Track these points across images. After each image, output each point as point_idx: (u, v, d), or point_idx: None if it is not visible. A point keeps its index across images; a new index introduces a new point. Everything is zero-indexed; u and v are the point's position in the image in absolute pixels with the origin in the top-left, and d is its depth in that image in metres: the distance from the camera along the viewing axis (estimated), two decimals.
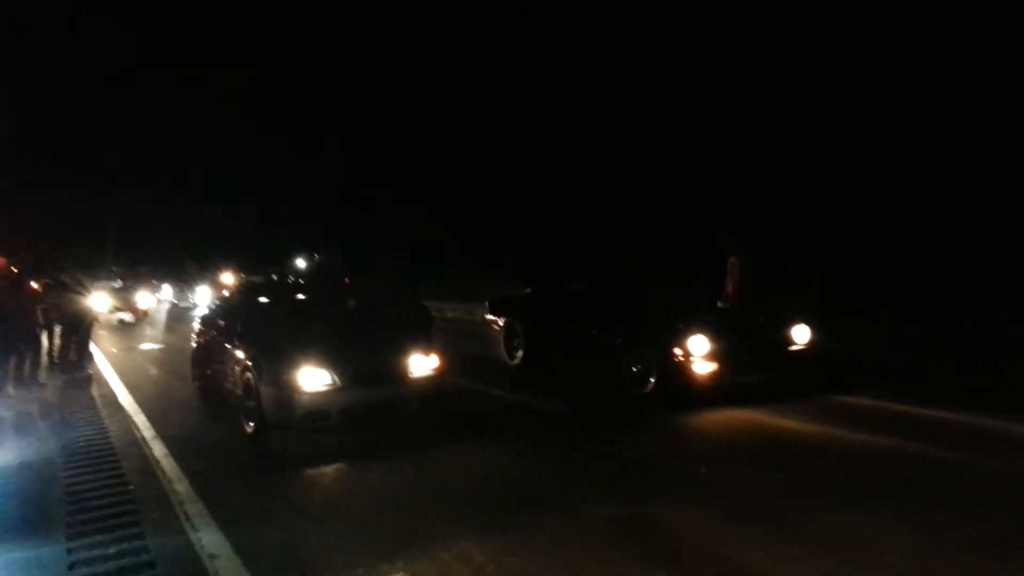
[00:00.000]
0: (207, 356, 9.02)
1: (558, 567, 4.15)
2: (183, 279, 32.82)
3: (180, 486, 5.88)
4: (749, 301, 10.22)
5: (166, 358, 14.14)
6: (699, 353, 8.29)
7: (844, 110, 15.10)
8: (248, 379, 7.25)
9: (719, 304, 10.04)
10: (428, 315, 12.15)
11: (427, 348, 7.61)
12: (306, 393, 6.69)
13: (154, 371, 12.48)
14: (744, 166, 16.91)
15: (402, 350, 7.41)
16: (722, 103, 18.13)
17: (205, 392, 9.18)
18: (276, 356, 7.03)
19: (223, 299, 11.03)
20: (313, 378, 6.74)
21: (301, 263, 37.85)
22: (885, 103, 14.45)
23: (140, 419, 8.46)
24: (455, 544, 4.46)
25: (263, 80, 49.57)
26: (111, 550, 4.60)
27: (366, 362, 7.19)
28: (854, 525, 4.58)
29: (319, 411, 6.76)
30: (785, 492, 5.29)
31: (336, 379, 6.80)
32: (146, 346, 16.57)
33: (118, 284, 24.09)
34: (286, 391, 6.71)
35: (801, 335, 8.89)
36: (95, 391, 10.33)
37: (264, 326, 8.11)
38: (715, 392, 8.28)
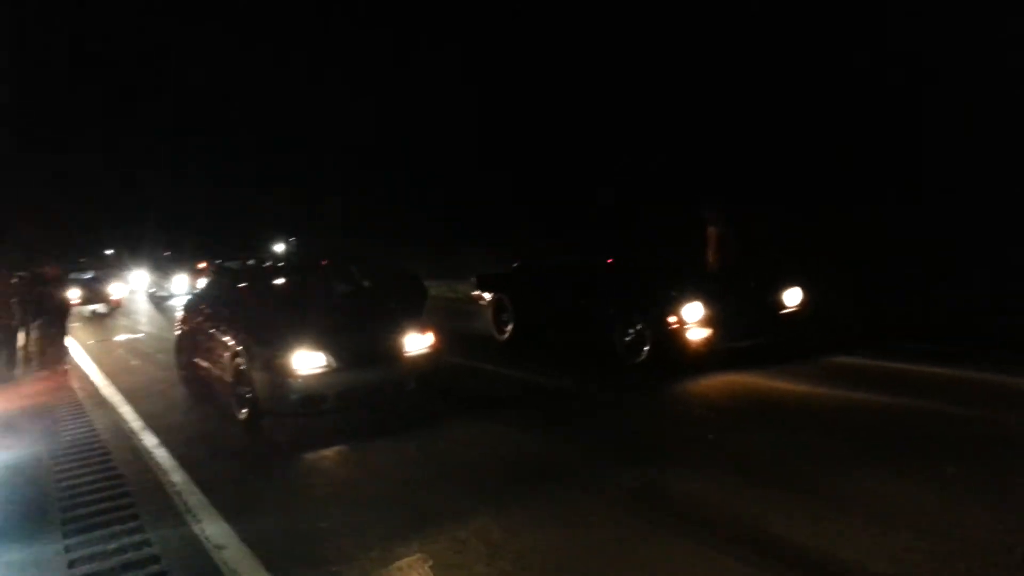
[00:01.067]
0: (192, 344, 8.78)
1: (580, 539, 4.07)
2: (159, 268, 32.21)
3: (176, 476, 5.72)
4: (735, 268, 10.20)
5: (146, 348, 13.85)
6: (693, 320, 8.24)
7: (830, 74, 15.01)
8: (239, 365, 7.05)
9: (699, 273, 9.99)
10: (422, 288, 11.92)
11: (422, 325, 7.45)
12: (301, 377, 6.50)
13: (135, 361, 12.20)
14: (728, 131, 16.74)
15: (397, 328, 7.26)
16: (704, 67, 17.91)
17: (191, 381, 8.95)
18: (268, 340, 6.82)
19: (207, 285, 10.79)
20: (307, 361, 6.54)
21: (279, 248, 37.36)
22: (872, 67, 14.38)
23: (126, 410, 8.26)
24: (471, 521, 4.36)
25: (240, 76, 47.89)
26: (111, 545, 4.45)
27: (361, 342, 7.02)
28: (869, 483, 4.55)
29: (315, 395, 6.57)
30: (794, 454, 5.25)
31: (331, 361, 6.61)
32: (123, 337, 16.22)
33: (89, 275, 23.64)
34: (280, 376, 6.50)
35: (793, 297, 8.89)
36: (76, 384, 10.08)
37: (253, 310, 7.88)
38: (710, 358, 8.26)
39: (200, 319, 8.69)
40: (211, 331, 8.07)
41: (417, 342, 7.18)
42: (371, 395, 7.02)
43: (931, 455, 4.98)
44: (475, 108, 26.74)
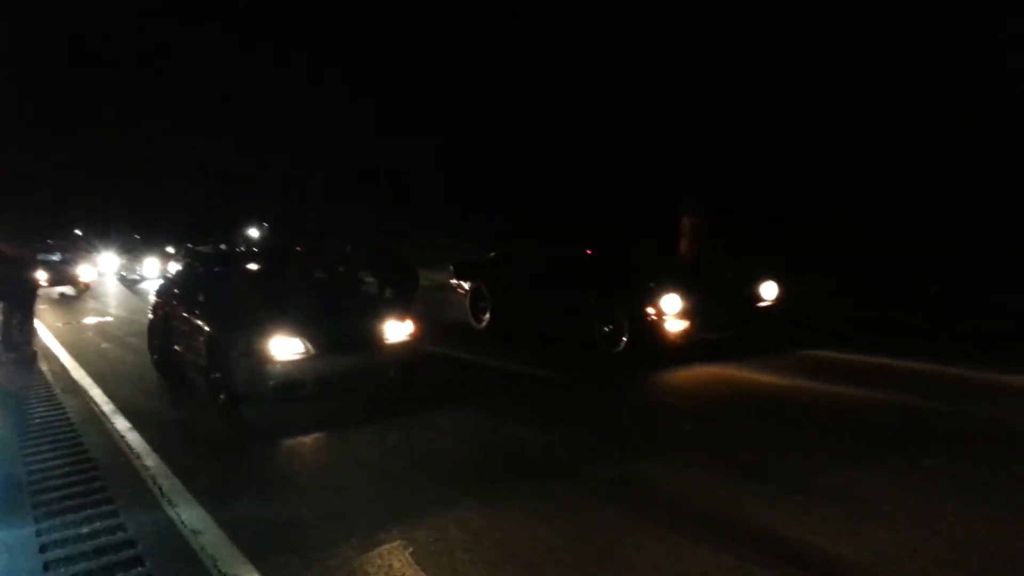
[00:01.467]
0: (167, 328, 8.61)
1: (562, 530, 4.06)
2: (129, 250, 31.68)
3: (150, 461, 5.62)
4: (709, 260, 10.26)
5: (116, 331, 13.61)
6: (671, 311, 8.29)
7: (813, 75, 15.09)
8: (214, 350, 6.95)
9: (674, 264, 9.99)
10: (414, 274, 11.79)
11: (401, 313, 7.41)
12: (278, 362, 6.41)
13: (105, 344, 11.99)
14: (711, 129, 16.78)
15: (375, 316, 7.22)
16: (689, 67, 17.92)
17: (165, 366, 8.79)
18: (244, 325, 6.72)
19: (181, 270, 10.60)
20: (285, 347, 6.45)
21: (253, 232, 36.79)
22: (853, 67, 14.49)
23: (96, 393, 8.10)
24: (451, 510, 4.34)
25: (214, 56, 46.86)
26: (84, 530, 4.36)
27: (339, 329, 6.93)
28: (849, 475, 4.61)
29: (293, 380, 6.48)
30: (772, 446, 5.31)
31: (309, 347, 6.53)
32: (93, 319, 15.93)
33: (56, 257, 23.14)
34: (257, 361, 6.41)
35: (769, 291, 8.97)
36: (44, 367, 9.87)
37: (229, 295, 7.77)
38: (687, 349, 8.32)
39: (174, 304, 8.53)
40: (186, 316, 7.93)
41: (396, 330, 7.12)
42: (350, 382, 6.92)
43: (908, 448, 5.06)
44: (464, 102, 26.64)
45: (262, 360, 6.42)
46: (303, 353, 6.53)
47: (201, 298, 7.90)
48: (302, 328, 6.62)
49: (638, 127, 19.26)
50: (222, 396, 6.89)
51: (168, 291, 9.17)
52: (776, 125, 15.57)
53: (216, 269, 9.09)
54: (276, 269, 9.34)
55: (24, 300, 11.23)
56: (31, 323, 11.74)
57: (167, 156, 46.97)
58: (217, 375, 6.95)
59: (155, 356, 9.12)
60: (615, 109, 20.43)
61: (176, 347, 8.24)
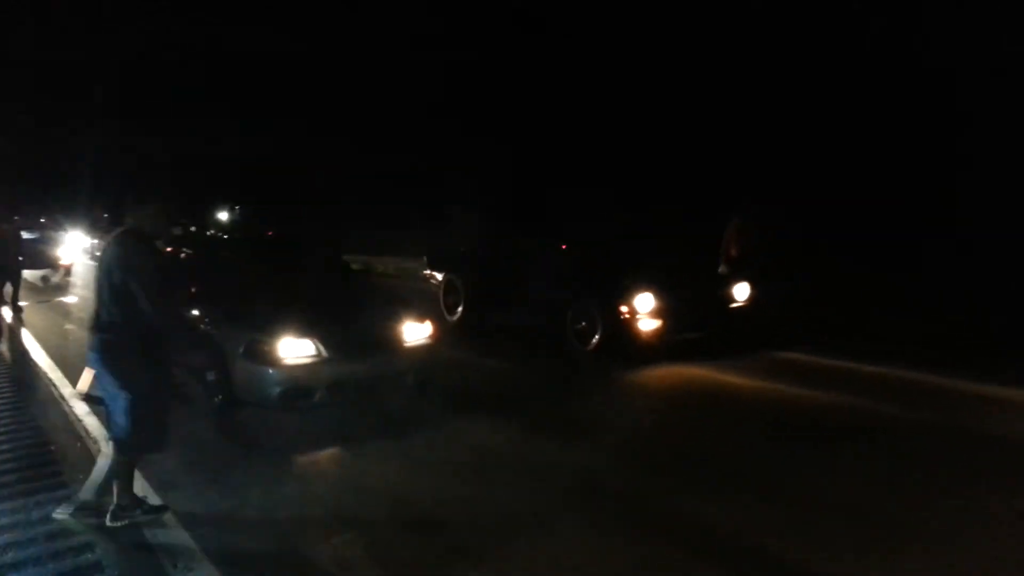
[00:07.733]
0: None
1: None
2: (99, 229, 31.12)
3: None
4: (688, 260, 10.18)
5: (80, 312, 13.32)
6: (644, 310, 8.29)
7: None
8: (212, 349, 6.18)
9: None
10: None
11: (419, 313, 6.77)
12: (286, 366, 5.76)
13: (68, 326, 11.74)
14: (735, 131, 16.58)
15: (392, 315, 6.57)
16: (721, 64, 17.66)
17: None
18: (248, 323, 6.06)
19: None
20: (295, 349, 5.80)
21: (223, 216, 36.34)
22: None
23: (56, 376, 7.92)
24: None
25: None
26: (36, 515, 4.25)
27: (354, 330, 6.24)
28: (804, 476, 4.69)
29: (302, 387, 5.83)
30: (726, 446, 5.36)
31: (321, 349, 5.89)
32: (56, 299, 15.62)
33: (33, 235, 21.59)
34: (261, 365, 5.78)
35: (741, 292, 9.01)
36: (3, 346, 9.64)
37: (228, 288, 6.97)
38: (659, 348, 8.32)
39: None
40: None
41: (415, 331, 6.53)
42: (366, 389, 6.21)
43: (865, 451, 5.16)
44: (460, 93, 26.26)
45: (267, 363, 5.78)
46: (314, 356, 5.88)
47: (194, 289, 7.08)
48: (313, 328, 5.96)
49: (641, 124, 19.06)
50: (218, 400, 6.25)
51: None
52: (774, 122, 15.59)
53: (213, 256, 8.38)
54: (280, 260, 8.36)
55: (14, 280, 10.79)
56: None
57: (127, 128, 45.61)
58: (213, 377, 6.24)
59: None
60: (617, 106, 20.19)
61: None
